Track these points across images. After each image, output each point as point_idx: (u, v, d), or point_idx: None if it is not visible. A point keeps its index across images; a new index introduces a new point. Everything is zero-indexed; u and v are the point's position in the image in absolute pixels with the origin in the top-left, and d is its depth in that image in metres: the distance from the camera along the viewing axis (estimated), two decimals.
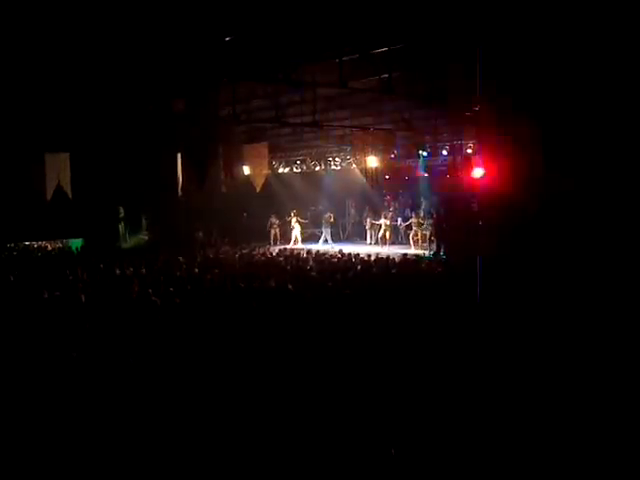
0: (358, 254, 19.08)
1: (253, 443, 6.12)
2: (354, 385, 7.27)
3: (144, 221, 28.20)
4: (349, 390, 7.13)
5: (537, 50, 14.37)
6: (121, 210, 27.08)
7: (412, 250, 24.28)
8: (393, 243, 26.61)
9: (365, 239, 28.58)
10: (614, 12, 12.72)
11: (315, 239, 29.93)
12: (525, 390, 7.14)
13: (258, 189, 26.88)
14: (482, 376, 7.56)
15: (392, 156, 27.01)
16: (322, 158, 30.58)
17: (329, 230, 28.54)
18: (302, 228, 29.41)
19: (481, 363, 7.96)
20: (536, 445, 5.94)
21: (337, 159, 30.05)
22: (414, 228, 25.98)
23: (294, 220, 29.10)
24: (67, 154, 23.06)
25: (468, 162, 23.84)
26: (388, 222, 26.62)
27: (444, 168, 27.39)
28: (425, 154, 27.18)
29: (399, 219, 27.99)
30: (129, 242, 27.16)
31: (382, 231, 26.54)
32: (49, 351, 8.36)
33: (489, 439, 6.16)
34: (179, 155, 24.79)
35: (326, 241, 28.17)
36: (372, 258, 17.82)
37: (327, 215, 28.70)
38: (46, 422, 6.48)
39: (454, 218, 22.91)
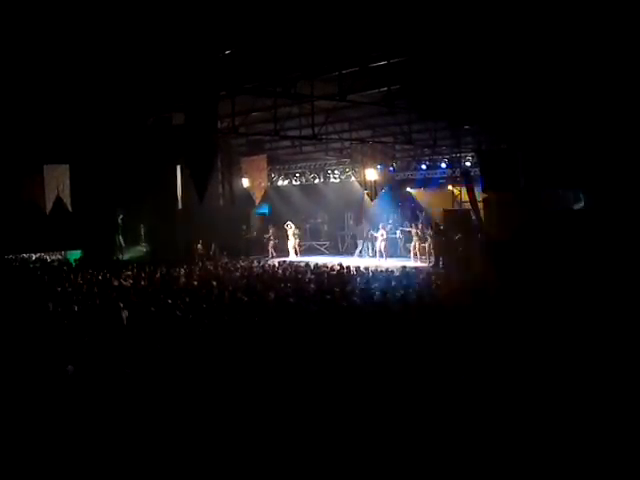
0: (358, 267, 19.09)
1: (253, 457, 6.12)
2: (352, 398, 7.27)
3: (143, 233, 28.23)
4: (347, 402, 7.13)
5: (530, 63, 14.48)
6: (120, 222, 27.11)
7: (412, 262, 24.28)
8: (392, 255, 26.59)
9: (360, 252, 28.58)
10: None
11: (314, 252, 29.99)
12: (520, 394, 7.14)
13: (257, 201, 26.94)
14: (480, 384, 7.56)
15: (391, 169, 27.09)
16: (321, 171, 30.66)
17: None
18: (299, 240, 29.41)
19: (479, 373, 7.96)
20: (536, 445, 5.92)
21: (336, 172, 30.13)
22: (414, 240, 25.96)
23: (290, 232, 29.11)
24: (67, 166, 23.10)
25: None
26: (385, 234, 26.59)
27: (443, 181, 27.55)
28: (424, 167, 27.31)
29: (397, 231, 28.00)
30: (128, 254, 27.17)
31: (379, 243, 26.51)
32: (47, 363, 8.35)
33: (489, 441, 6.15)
34: (179, 167, 24.84)
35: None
36: (370, 270, 17.84)
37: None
38: (42, 433, 6.47)
39: (453, 231, 23.00)
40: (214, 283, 15.72)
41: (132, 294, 14.27)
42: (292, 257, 27.96)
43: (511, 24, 12.25)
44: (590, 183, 17.88)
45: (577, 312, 11.02)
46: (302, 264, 20.86)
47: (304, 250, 29.86)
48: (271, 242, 29.65)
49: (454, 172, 26.32)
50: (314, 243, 31.35)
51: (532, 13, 11.54)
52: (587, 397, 7.03)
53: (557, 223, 18.10)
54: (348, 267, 18.76)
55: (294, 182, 31.96)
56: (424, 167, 27.44)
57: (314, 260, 23.52)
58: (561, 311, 11.16)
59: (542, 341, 9.27)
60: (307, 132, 20.55)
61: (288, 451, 6.19)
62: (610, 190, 17.14)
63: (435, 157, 27.02)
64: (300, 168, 31.36)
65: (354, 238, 29.71)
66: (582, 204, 18.79)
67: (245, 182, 28.07)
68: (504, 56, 14.17)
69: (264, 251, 29.41)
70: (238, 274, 18.50)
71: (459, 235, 22.62)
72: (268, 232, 29.80)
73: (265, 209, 32.37)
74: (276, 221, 30.46)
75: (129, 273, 18.88)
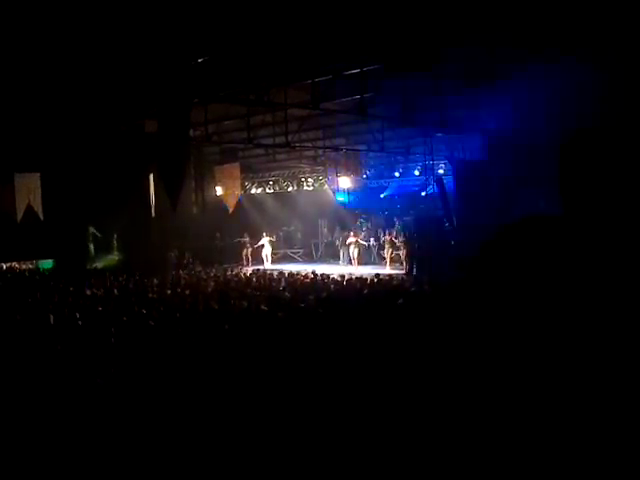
0: (329, 275, 19.07)
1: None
2: (326, 406, 7.25)
3: (115, 241, 28.04)
4: (321, 412, 7.11)
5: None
6: (92, 230, 26.89)
7: (386, 270, 24.32)
8: (366, 263, 26.63)
9: (338, 259, 28.60)
10: None
11: (288, 260, 29.98)
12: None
13: (230, 210, 26.87)
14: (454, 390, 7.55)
15: (364, 176, 27.20)
16: (295, 179, 30.67)
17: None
18: (273, 248, 29.38)
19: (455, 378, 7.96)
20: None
21: (310, 179, 30.16)
22: (387, 247, 25.99)
23: (266, 240, 29.05)
24: (38, 174, 22.89)
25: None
26: (359, 241, 26.63)
27: (416, 188, 27.70)
28: (397, 174, 27.43)
29: (372, 239, 28.08)
30: (100, 262, 26.97)
31: (353, 251, 26.53)
32: (21, 374, 8.25)
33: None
34: (151, 175, 24.70)
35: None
36: (345, 278, 17.83)
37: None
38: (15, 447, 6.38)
39: (426, 238, 23.10)
40: (187, 292, 15.64)
41: (104, 303, 14.14)
42: (267, 265, 27.87)
43: (484, 32, 12.38)
44: (561, 188, 18.02)
45: (555, 313, 11.11)
46: (276, 272, 20.83)
47: (278, 258, 29.83)
48: (246, 250, 29.59)
49: (427, 179, 26.47)
50: (288, 251, 31.32)
51: (503, 20, 11.67)
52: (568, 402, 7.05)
53: (529, 228, 18.14)
54: (322, 275, 18.75)
55: (267, 190, 31.95)
56: (397, 174, 27.56)
57: (288, 268, 23.51)
58: (540, 314, 11.24)
59: (526, 342, 9.29)
60: (280, 140, 20.55)
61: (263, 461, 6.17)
62: (581, 196, 17.28)
63: (408, 164, 27.14)
64: (274, 176, 31.35)
65: (332, 246, 29.76)
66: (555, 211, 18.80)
67: (219, 190, 28.02)
68: (474, 64, 14.30)
69: (239, 259, 29.33)
70: (213, 283, 18.39)
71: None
72: (243, 239, 29.78)
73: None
74: (250, 229, 30.41)
75: (101, 282, 18.72)
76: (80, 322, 11.91)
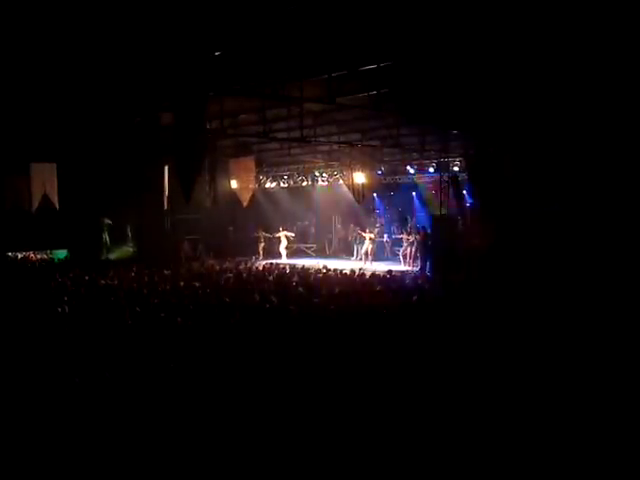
0: (342, 270, 19.08)
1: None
2: (336, 401, 7.25)
3: (129, 233, 28.18)
4: (331, 407, 7.11)
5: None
6: (106, 221, 27.03)
7: (401, 266, 24.33)
8: (379, 259, 26.61)
9: (351, 255, 28.60)
10: None
11: (301, 254, 30.01)
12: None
13: (245, 203, 26.91)
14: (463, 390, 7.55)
15: (379, 172, 27.14)
16: (309, 173, 30.64)
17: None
18: (289, 243, 29.46)
19: (463, 377, 7.96)
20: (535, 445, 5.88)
21: (324, 174, 30.11)
22: (404, 244, 25.92)
23: (282, 235, 29.13)
24: (54, 164, 23.00)
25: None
26: (373, 237, 26.60)
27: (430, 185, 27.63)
28: (412, 171, 27.33)
29: (385, 235, 28.05)
30: (114, 253, 27.11)
31: (366, 246, 26.51)
32: (29, 363, 8.30)
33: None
34: (166, 168, 24.77)
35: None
36: (357, 274, 17.82)
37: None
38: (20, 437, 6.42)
39: (440, 235, 23.03)
40: (196, 284, 15.68)
41: (118, 294, 14.20)
42: (282, 259, 27.92)
43: (499, 30, 12.31)
44: (567, 187, 17.98)
45: (556, 311, 11.15)
46: (289, 267, 20.86)
47: (291, 252, 29.90)
48: (261, 244, 29.69)
49: (442, 176, 26.35)
50: (301, 245, 31.38)
51: (520, 19, 11.59)
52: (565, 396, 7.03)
53: (535, 226, 18.08)
54: (335, 270, 18.76)
55: (282, 184, 31.94)
56: (412, 171, 27.47)
57: (301, 262, 23.57)
58: (542, 311, 11.26)
59: (526, 340, 9.28)
60: (296, 134, 20.53)
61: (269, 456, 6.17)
62: (585, 194, 17.27)
63: (423, 161, 27.03)
64: (288, 170, 31.33)
65: (345, 241, 29.81)
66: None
67: (233, 183, 28.08)
68: (491, 61, 14.22)
69: (251, 253, 29.40)
70: (225, 276, 18.42)
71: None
72: (258, 233, 29.91)
73: None
74: (265, 223, 30.48)
75: (115, 272, 18.81)
76: (93, 312, 11.97)
